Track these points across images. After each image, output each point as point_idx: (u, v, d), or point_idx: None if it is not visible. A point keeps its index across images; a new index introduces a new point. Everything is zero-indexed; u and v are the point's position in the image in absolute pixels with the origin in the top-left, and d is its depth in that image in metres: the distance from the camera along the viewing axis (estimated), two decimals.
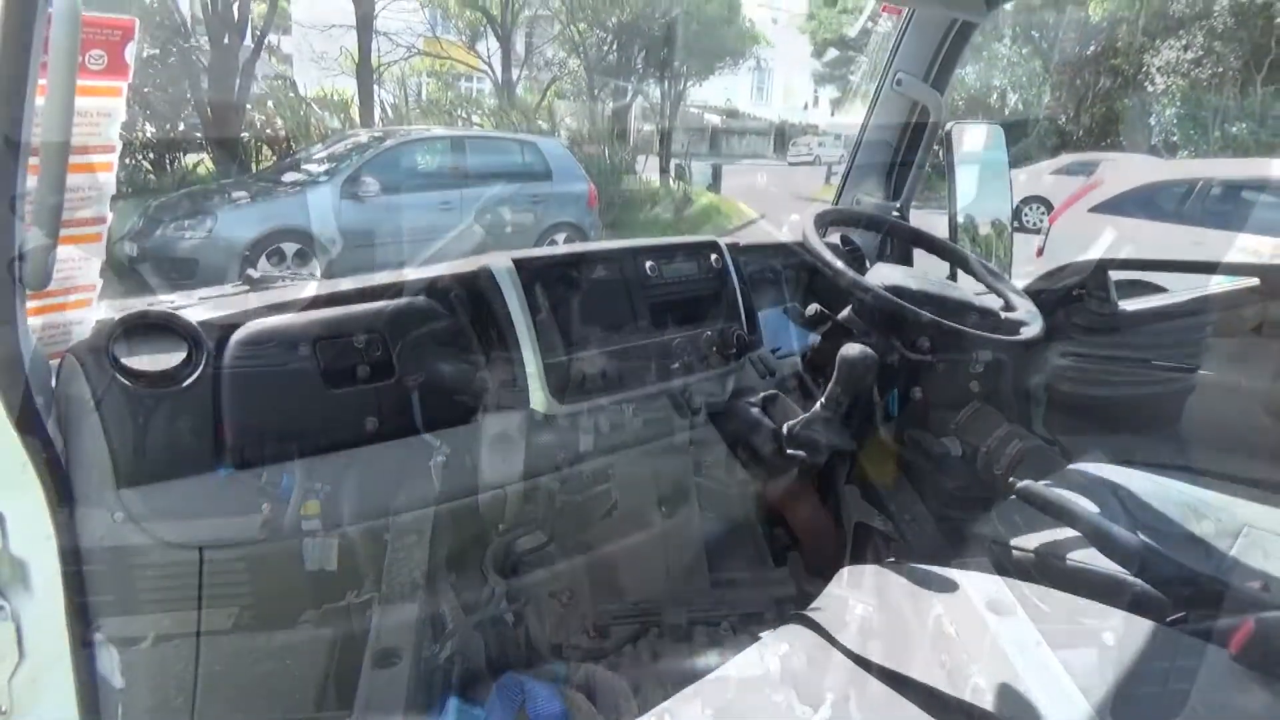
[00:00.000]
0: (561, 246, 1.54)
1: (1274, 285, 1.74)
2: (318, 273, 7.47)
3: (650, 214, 12.96)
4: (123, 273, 7.24)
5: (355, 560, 1.17)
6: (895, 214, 2.01)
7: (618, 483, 1.48)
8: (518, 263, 1.36)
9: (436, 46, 15.38)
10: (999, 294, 1.74)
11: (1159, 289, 2.58)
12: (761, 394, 1.60)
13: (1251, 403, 1.73)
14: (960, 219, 2.04)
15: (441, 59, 15.54)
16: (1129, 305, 1.91)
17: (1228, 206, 6.51)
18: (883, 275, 1.61)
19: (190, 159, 11.65)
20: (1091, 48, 17.70)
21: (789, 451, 1.50)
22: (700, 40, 14.62)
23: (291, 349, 1.15)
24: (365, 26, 13.63)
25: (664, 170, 15.25)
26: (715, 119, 25.55)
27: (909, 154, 2.02)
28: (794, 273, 2.00)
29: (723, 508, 1.66)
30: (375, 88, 14.06)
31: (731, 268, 1.67)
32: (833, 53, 23.10)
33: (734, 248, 1.72)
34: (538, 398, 1.34)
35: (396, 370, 1.22)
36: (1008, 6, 2.03)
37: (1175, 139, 15.39)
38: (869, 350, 1.39)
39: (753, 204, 15.38)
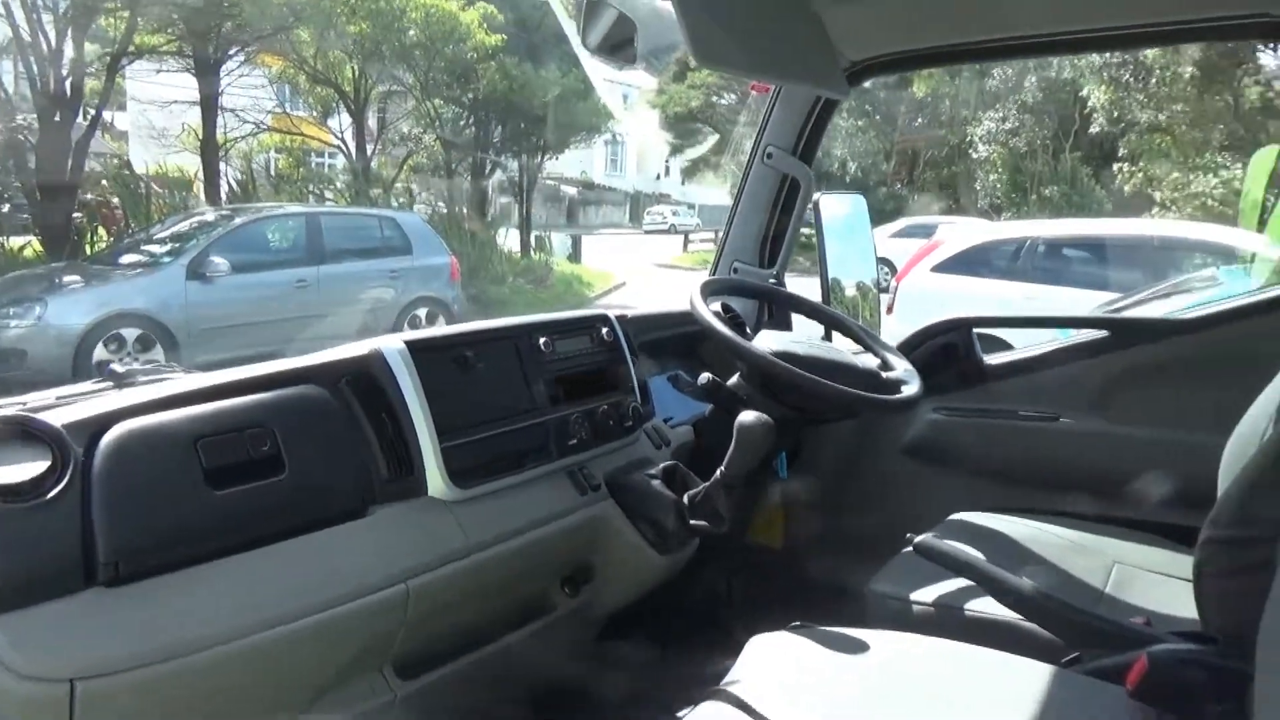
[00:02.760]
0: (454, 326, 1.50)
1: (1122, 336, 1.88)
2: (162, 358, 7.06)
3: (514, 285, 12.94)
4: None
5: (250, 678, 1.08)
6: (772, 281, 2.07)
7: (520, 565, 1.43)
8: (410, 344, 1.32)
9: (286, 122, 15.01)
10: (877, 354, 1.80)
11: (1006, 344, 2.75)
12: (661, 465, 1.60)
13: (1110, 446, 1.86)
14: (831, 283, 2.12)
15: (292, 135, 15.18)
16: (992, 360, 2.02)
17: (1051, 263, 7.06)
18: (769, 342, 1.65)
19: (15, 242, 10.87)
20: (919, 120, 19.10)
21: (692, 523, 1.50)
22: (556, 115, 14.87)
23: (170, 450, 1.06)
24: (209, 103, 13.21)
25: (525, 242, 15.31)
26: (572, 191, 25.96)
27: (781, 223, 2.09)
28: (679, 342, 2.03)
29: (627, 584, 1.63)
30: (222, 165, 13.59)
31: (622, 340, 1.68)
32: (682, 125, 23.94)
33: (623, 319, 1.73)
34: (436, 483, 1.29)
35: (286, 466, 1.14)
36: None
37: (999, 202, 16.69)
38: (765, 418, 1.41)
39: (614, 271, 15.64)
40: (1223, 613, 1.16)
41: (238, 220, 8.74)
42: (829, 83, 1.82)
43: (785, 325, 2.05)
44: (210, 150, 13.25)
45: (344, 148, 15.00)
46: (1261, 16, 1.62)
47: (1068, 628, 1.27)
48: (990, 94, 16.94)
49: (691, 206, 26.96)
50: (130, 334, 7.27)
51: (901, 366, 1.75)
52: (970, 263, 7.06)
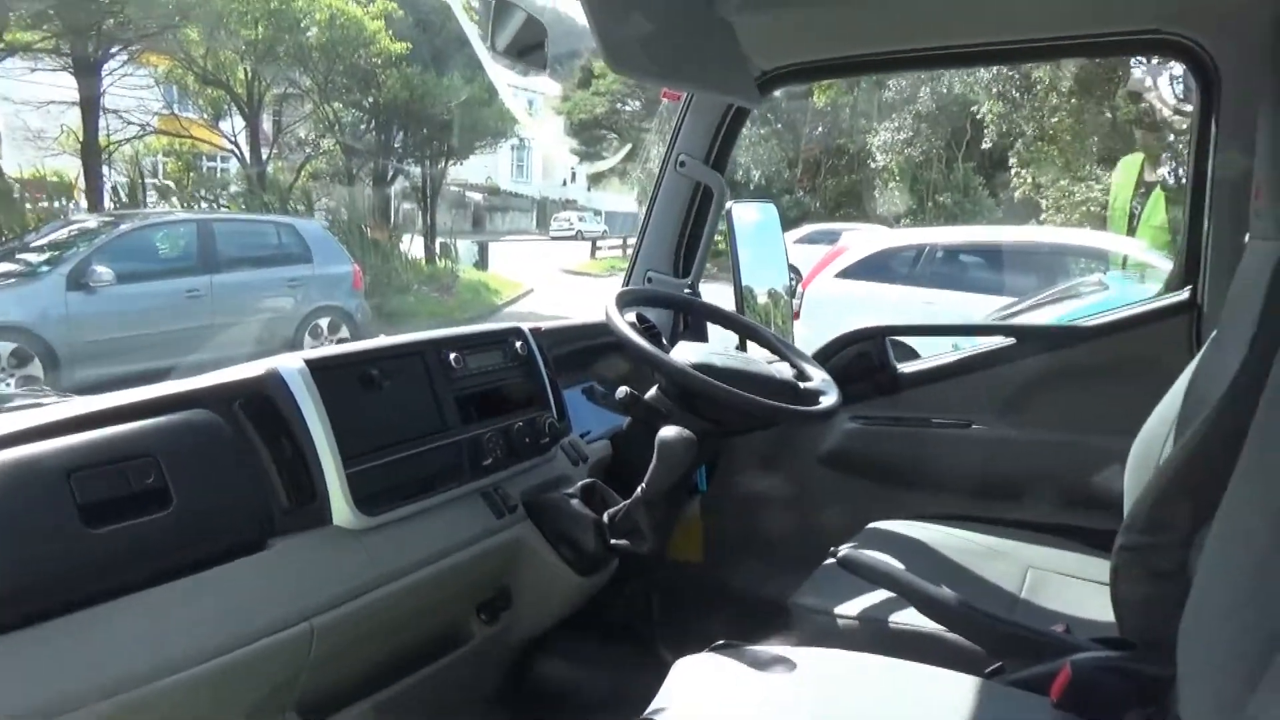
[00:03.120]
0: (357, 342, 1.42)
1: (1029, 344, 1.92)
2: (41, 374, 6.66)
3: (419, 293, 12.69)
4: None
5: None
6: (687, 291, 2.05)
7: (434, 594, 1.36)
8: (310, 363, 1.23)
9: (175, 125, 14.37)
10: (794, 365, 1.79)
11: (912, 351, 2.79)
12: (580, 484, 1.55)
13: (1020, 451, 1.89)
14: (744, 290, 2.11)
15: (181, 138, 14.53)
16: (905, 368, 2.04)
17: (949, 269, 7.29)
18: (687, 354, 1.62)
19: None
20: (819, 129, 19.57)
21: (613, 542, 1.45)
22: (460, 120, 14.65)
23: (38, 485, 0.95)
24: (90, 104, 12.53)
25: (430, 249, 15.04)
26: (477, 197, 25.64)
27: (694, 232, 2.07)
28: (594, 354, 1.99)
29: (547, 607, 1.57)
30: (105, 169, 12.91)
31: (537, 353, 1.63)
32: (588, 132, 23.96)
33: (537, 332, 1.68)
34: (341, 512, 1.21)
35: (173, 498, 1.05)
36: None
37: (897, 209, 17.22)
38: (687, 433, 1.38)
39: (522, 279, 15.51)
40: (1139, 617, 1.19)
41: (123, 227, 8.31)
42: (741, 91, 1.81)
43: (701, 335, 2.03)
44: (92, 153, 12.59)
45: (238, 152, 14.46)
46: (1154, 33, 1.69)
47: (989, 637, 1.28)
48: (887, 104, 17.49)
49: (598, 213, 26.96)
50: (4, 348, 6.84)
51: (819, 376, 1.74)
52: (873, 268, 7.23)
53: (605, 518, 1.48)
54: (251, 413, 1.18)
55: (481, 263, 16.27)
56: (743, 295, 2.10)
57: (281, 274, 8.63)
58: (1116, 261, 6.56)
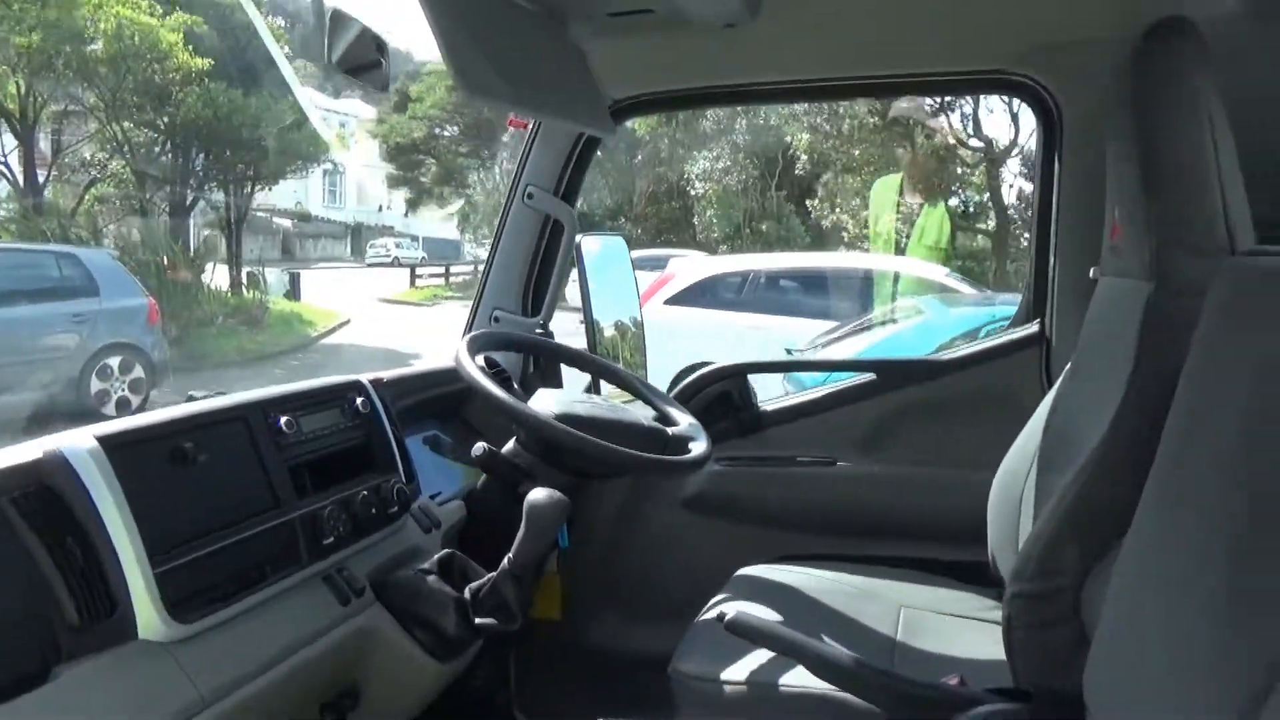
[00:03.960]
0: (166, 410, 1.19)
1: (888, 378, 1.92)
2: None
3: (224, 327, 11.88)
4: None
5: None
6: (539, 330, 1.93)
7: (269, 705, 1.15)
8: (105, 440, 1.01)
9: None
10: (658, 410, 1.71)
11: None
12: (435, 557, 1.38)
13: (883, 487, 1.88)
14: (595, 327, 2.03)
15: None
16: (767, 406, 2.00)
17: (773, 294, 7.53)
18: (548, 404, 1.50)
19: None
20: (639, 157, 19.89)
21: (478, 622, 1.30)
22: (270, 143, 13.85)
23: None
24: None
25: (235, 279, 14.12)
26: (287, 223, 24.41)
27: (544, 267, 1.96)
28: (439, 402, 1.83)
29: (401, 701, 1.39)
30: None
31: (380, 409, 1.45)
32: (405, 157, 23.36)
33: (378, 384, 1.50)
34: (148, 623, 0.99)
35: None
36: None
37: (716, 236, 17.71)
38: (559, 496, 1.26)
39: (337, 309, 14.87)
40: (1037, 666, 1.18)
41: None
42: (594, 120, 1.73)
43: (555, 377, 1.92)
44: None
45: (8, 174, 13.03)
46: (999, 74, 1.74)
47: (882, 695, 1.23)
48: (704, 134, 17.99)
49: (415, 239, 26.36)
50: None
51: (685, 421, 1.68)
52: (701, 294, 7.34)
53: (467, 593, 1.32)
54: (27, 509, 0.94)
55: (293, 292, 15.49)
56: (594, 331, 2.01)
57: (63, 309, 7.84)
58: (884, 277, 6.99)
